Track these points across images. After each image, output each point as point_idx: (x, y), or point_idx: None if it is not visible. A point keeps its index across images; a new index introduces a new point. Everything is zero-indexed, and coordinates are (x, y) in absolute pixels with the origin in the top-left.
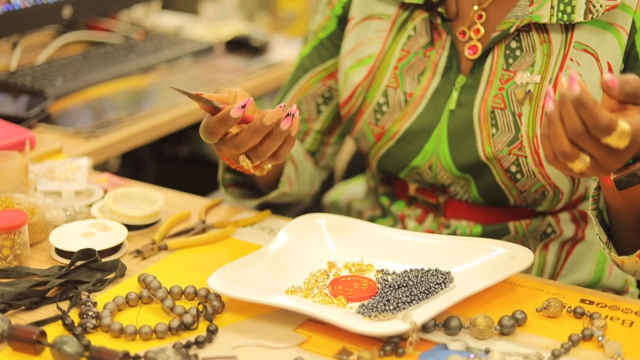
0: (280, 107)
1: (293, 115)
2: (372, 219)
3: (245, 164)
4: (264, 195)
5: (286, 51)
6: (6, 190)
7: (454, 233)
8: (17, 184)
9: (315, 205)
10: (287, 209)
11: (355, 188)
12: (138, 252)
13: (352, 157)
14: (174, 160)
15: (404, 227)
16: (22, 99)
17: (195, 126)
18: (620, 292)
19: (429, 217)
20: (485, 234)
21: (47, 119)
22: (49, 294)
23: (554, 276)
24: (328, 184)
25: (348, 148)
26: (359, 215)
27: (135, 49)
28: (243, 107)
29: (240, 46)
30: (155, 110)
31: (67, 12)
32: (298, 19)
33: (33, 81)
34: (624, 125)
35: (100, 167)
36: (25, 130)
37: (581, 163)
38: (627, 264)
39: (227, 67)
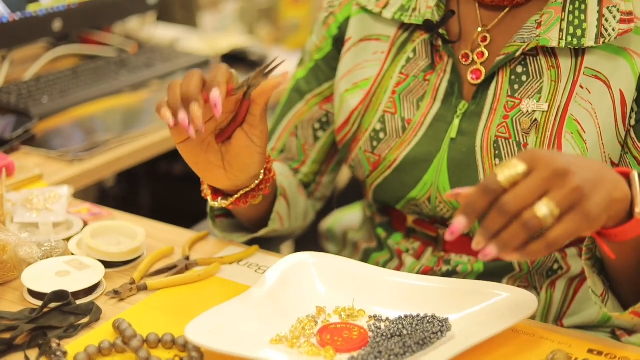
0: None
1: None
2: (367, 252)
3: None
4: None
5: (286, 65)
6: None
7: (454, 269)
8: None
9: (311, 232)
10: (278, 240)
11: (352, 216)
12: (115, 293)
13: (351, 181)
14: (169, 178)
15: (401, 263)
16: (7, 119)
17: None
18: (630, 331)
19: (428, 250)
20: (487, 271)
21: (31, 140)
22: (17, 341)
23: (560, 315)
24: (325, 209)
25: (347, 170)
26: (355, 247)
27: (127, 64)
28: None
29: (237, 60)
30: (144, 131)
31: (57, 25)
32: (301, 28)
33: (18, 99)
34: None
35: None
36: (3, 156)
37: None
38: (624, 319)
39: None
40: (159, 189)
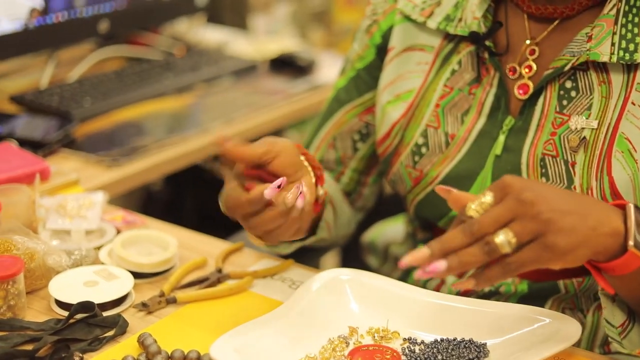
0: (297, 187)
1: (302, 192)
2: (408, 268)
3: (257, 242)
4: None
5: (336, 71)
6: (8, 230)
7: (497, 289)
8: (19, 224)
9: (353, 243)
10: (321, 251)
11: (395, 228)
12: (143, 306)
13: (393, 193)
14: (213, 183)
15: (442, 282)
16: (48, 121)
17: None
18: None
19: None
20: (532, 292)
21: (70, 143)
22: (39, 353)
23: (607, 340)
24: (367, 220)
25: None
26: (396, 262)
27: (173, 67)
28: (279, 187)
29: (285, 65)
30: (186, 136)
31: (103, 26)
32: (354, 32)
33: (60, 101)
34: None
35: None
36: (39, 160)
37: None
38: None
39: (268, 88)
40: (203, 195)
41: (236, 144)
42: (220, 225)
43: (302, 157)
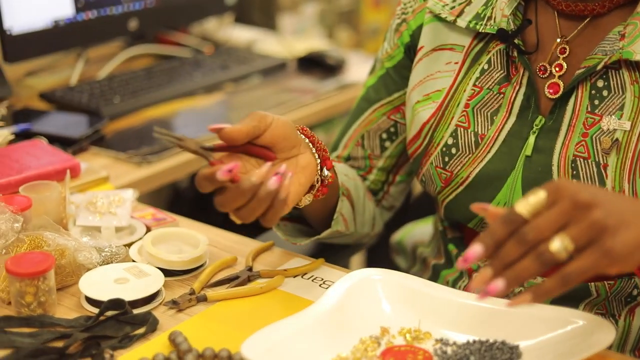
0: (269, 164)
1: (282, 174)
2: (436, 269)
3: (235, 220)
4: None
5: (364, 70)
6: (39, 226)
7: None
8: (50, 220)
9: (381, 245)
10: (348, 250)
11: (424, 229)
12: (174, 304)
13: (423, 193)
14: None
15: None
16: (78, 118)
17: None
18: None
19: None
20: (563, 295)
21: (100, 141)
22: (69, 350)
23: (639, 345)
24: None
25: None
26: (424, 263)
27: (202, 65)
28: (229, 171)
29: (314, 64)
30: (215, 135)
31: (133, 24)
32: (382, 32)
33: (90, 99)
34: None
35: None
36: (69, 157)
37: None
38: None
39: (298, 86)
40: None
41: (228, 127)
42: (248, 224)
43: (304, 137)
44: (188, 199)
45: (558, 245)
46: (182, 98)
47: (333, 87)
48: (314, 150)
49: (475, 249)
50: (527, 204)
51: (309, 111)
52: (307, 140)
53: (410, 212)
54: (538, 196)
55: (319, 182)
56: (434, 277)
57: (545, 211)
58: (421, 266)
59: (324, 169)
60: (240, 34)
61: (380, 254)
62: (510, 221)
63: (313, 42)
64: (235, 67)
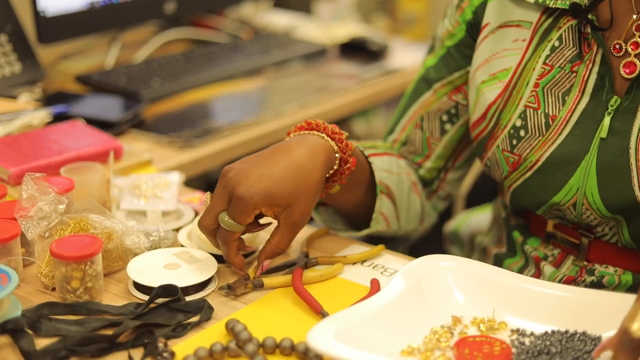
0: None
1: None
2: (499, 258)
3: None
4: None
5: (407, 56)
6: (83, 209)
7: (599, 281)
8: (95, 203)
9: (434, 234)
10: (397, 240)
11: (480, 217)
12: (229, 289)
13: (479, 179)
14: None
15: (539, 272)
16: (116, 101)
17: None
18: None
19: (569, 259)
20: (637, 284)
21: (140, 124)
22: (120, 339)
23: None
24: (449, 210)
25: (473, 170)
26: (484, 252)
27: (241, 50)
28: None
29: (356, 49)
30: (259, 119)
31: (170, 7)
32: (418, 21)
33: (128, 82)
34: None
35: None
36: (111, 138)
37: None
38: None
39: (340, 72)
40: None
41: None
42: None
43: (307, 132)
44: None
45: None
46: (222, 82)
47: (377, 73)
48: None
49: None
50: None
51: (353, 97)
52: (314, 132)
53: (465, 200)
54: None
55: (338, 165)
56: (498, 265)
57: None
58: (480, 255)
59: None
60: (277, 19)
61: (430, 244)
62: (633, 348)
63: (353, 28)
64: (275, 52)
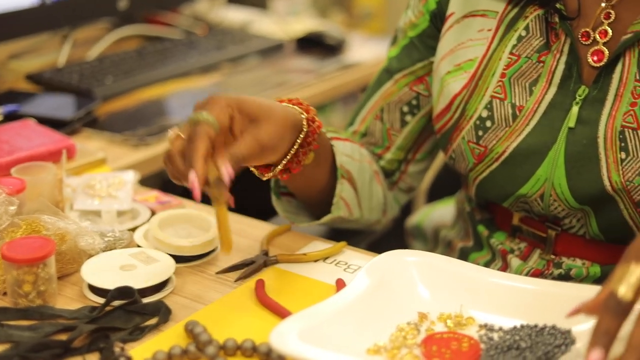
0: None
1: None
2: (464, 252)
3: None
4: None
5: (364, 51)
6: (35, 209)
7: (567, 273)
8: (47, 203)
9: (395, 229)
10: (360, 234)
11: (443, 211)
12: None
13: (441, 172)
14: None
15: (506, 265)
16: (68, 100)
17: None
18: None
19: (535, 252)
20: (605, 276)
21: (93, 122)
22: (75, 343)
23: None
24: (410, 204)
25: (434, 163)
26: (449, 245)
27: (196, 46)
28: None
29: (313, 44)
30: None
31: (123, 3)
32: (375, 16)
33: (80, 79)
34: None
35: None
36: (63, 137)
37: None
38: None
39: (298, 67)
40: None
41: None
42: (244, 210)
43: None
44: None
45: None
46: (177, 79)
47: (334, 68)
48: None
49: (597, 356)
50: (628, 284)
51: (311, 92)
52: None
53: (427, 194)
54: (636, 273)
55: (305, 130)
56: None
57: None
58: (445, 249)
59: (312, 123)
60: (232, 15)
61: (392, 239)
62: (621, 311)
63: (309, 23)
64: (231, 47)
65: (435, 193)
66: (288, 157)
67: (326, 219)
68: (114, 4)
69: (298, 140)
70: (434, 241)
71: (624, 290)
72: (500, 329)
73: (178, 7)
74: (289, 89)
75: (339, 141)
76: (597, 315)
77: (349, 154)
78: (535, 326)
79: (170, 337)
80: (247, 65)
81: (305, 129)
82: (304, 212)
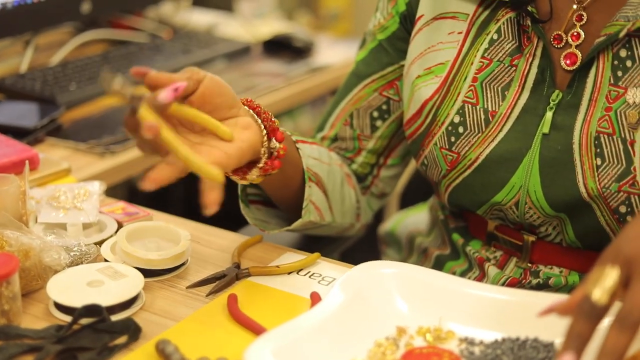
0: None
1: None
2: (441, 260)
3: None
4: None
5: (332, 53)
6: None
7: (545, 282)
8: (10, 217)
9: (368, 236)
10: (333, 243)
11: (417, 217)
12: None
13: (414, 177)
14: None
15: (484, 274)
16: (31, 107)
17: None
18: None
19: (512, 261)
20: None
21: (56, 131)
22: None
23: None
24: (381, 211)
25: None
26: (424, 253)
27: (162, 49)
28: (175, 90)
29: (280, 47)
30: None
31: (86, 7)
32: (342, 18)
33: (43, 86)
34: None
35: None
36: (26, 147)
37: None
38: None
39: (266, 70)
40: (195, 187)
41: (154, 72)
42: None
43: (247, 108)
44: (145, 195)
45: None
46: (143, 84)
47: (303, 71)
48: (259, 121)
49: (568, 359)
50: (602, 288)
51: (280, 96)
52: (251, 111)
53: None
54: (611, 276)
55: (266, 155)
56: (438, 269)
57: (634, 284)
58: (420, 257)
59: (273, 140)
60: (198, 18)
61: (367, 247)
62: (594, 315)
63: (276, 26)
64: (197, 51)
65: (408, 199)
66: (263, 160)
67: (297, 224)
68: (77, 8)
69: (259, 165)
70: (408, 249)
71: (598, 294)
72: (481, 342)
73: (142, 10)
74: (257, 93)
75: (305, 144)
76: (570, 316)
77: (317, 157)
78: (517, 339)
79: (140, 356)
80: (213, 69)
81: (263, 160)
82: (274, 219)
